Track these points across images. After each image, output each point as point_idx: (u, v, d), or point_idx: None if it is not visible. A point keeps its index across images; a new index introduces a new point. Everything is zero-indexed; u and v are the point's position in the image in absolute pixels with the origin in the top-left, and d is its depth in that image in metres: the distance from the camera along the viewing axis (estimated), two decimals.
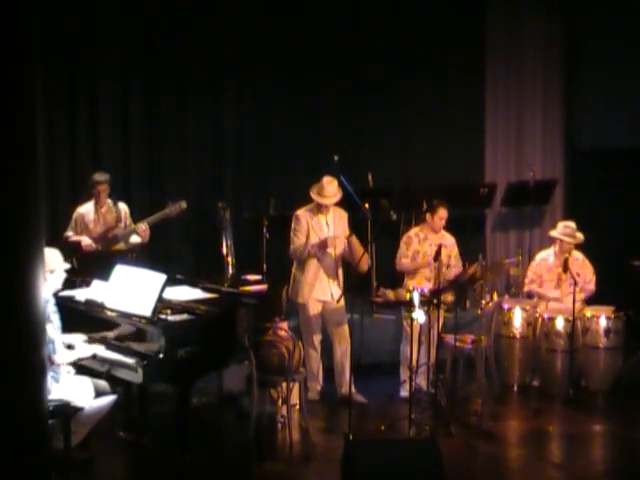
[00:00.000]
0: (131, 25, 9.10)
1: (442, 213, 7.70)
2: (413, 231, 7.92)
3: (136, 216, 8.14)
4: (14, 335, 4.06)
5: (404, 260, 7.78)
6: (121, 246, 7.96)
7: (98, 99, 9.13)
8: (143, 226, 7.84)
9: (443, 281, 7.03)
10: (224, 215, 8.35)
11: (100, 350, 5.85)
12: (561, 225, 8.26)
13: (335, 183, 7.43)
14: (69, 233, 8.02)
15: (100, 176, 7.99)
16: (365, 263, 7.33)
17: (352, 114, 9.87)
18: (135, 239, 7.92)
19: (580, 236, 8.13)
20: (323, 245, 7.38)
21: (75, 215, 8.05)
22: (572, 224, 8.17)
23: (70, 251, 7.58)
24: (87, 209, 8.04)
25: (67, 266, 5.84)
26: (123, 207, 8.07)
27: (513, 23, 10.33)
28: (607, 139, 10.00)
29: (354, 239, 7.40)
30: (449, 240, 7.80)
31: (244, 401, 7.10)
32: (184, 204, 7.92)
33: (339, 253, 7.46)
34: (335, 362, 7.58)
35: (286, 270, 7.75)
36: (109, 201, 8.02)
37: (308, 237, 7.43)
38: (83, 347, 5.87)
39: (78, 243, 7.88)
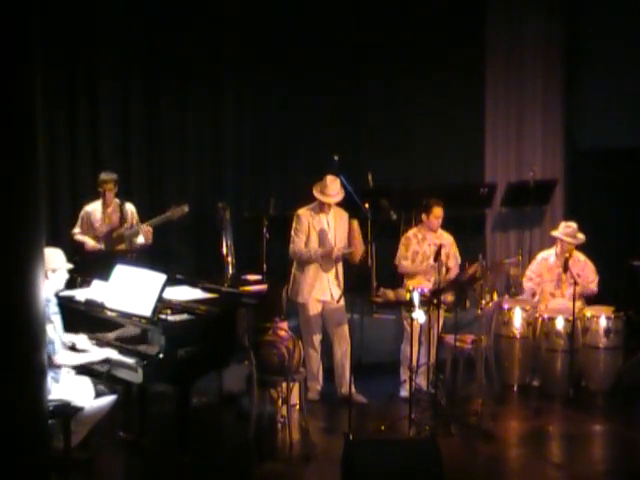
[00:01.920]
0: (131, 25, 9.10)
1: (437, 212, 7.70)
2: (411, 232, 7.92)
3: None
4: (14, 335, 4.06)
5: (404, 262, 7.79)
6: (124, 246, 7.96)
7: (98, 99, 9.14)
8: (145, 228, 7.84)
9: (443, 281, 7.04)
10: (224, 215, 8.34)
11: (113, 354, 5.84)
12: (562, 225, 8.26)
13: (338, 182, 7.44)
14: (76, 230, 8.05)
15: (106, 175, 8.00)
16: (358, 254, 7.36)
17: (352, 114, 9.86)
18: (140, 240, 7.93)
19: (581, 237, 8.12)
20: (327, 255, 7.38)
21: (82, 213, 8.07)
22: (573, 224, 8.16)
23: (74, 249, 7.62)
24: (94, 208, 8.06)
25: (70, 266, 5.84)
26: (130, 207, 8.07)
27: (513, 23, 10.32)
28: (607, 139, 9.99)
29: (356, 224, 7.42)
30: (447, 239, 7.80)
31: (244, 401, 7.10)
32: (186, 208, 7.91)
33: (340, 251, 7.46)
34: (335, 362, 7.57)
35: (286, 270, 7.75)
36: (116, 201, 8.03)
37: (309, 236, 7.44)
38: (95, 350, 5.86)
39: (82, 244, 7.91)
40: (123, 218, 7.97)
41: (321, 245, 7.44)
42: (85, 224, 8.04)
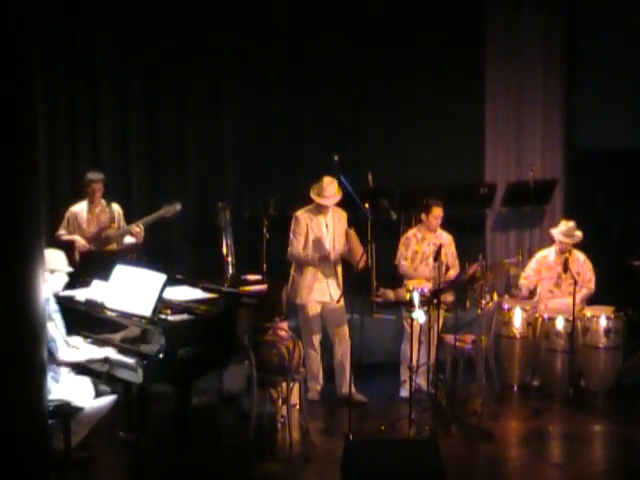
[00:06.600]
0: (131, 25, 9.10)
1: (437, 212, 7.71)
2: (411, 232, 7.94)
3: (135, 216, 8.13)
4: (14, 335, 4.06)
5: (404, 262, 7.79)
6: (114, 247, 7.93)
7: (98, 99, 9.14)
8: (137, 227, 7.81)
9: (443, 281, 7.04)
10: (224, 215, 8.34)
11: (112, 353, 5.83)
12: (561, 224, 8.28)
13: (335, 184, 7.41)
14: (61, 232, 7.96)
15: (94, 175, 7.96)
16: (362, 261, 7.33)
17: (352, 114, 9.86)
18: (129, 240, 7.88)
19: (579, 235, 8.13)
20: (324, 259, 7.37)
21: (68, 214, 8.00)
22: (571, 223, 8.17)
23: (63, 250, 7.57)
24: (80, 208, 8.00)
25: (70, 269, 5.83)
26: (116, 208, 8.04)
27: (513, 23, 10.31)
28: (607, 139, 9.99)
29: (352, 233, 7.40)
30: (446, 239, 7.81)
31: (244, 401, 7.10)
32: (178, 206, 7.88)
33: (338, 254, 7.47)
34: (335, 362, 7.57)
35: (286, 270, 7.74)
36: (103, 201, 8.00)
37: (307, 238, 7.43)
38: (93, 349, 5.85)
39: (72, 243, 7.84)
40: (112, 218, 7.94)
41: (320, 247, 7.42)
42: (72, 225, 7.95)
